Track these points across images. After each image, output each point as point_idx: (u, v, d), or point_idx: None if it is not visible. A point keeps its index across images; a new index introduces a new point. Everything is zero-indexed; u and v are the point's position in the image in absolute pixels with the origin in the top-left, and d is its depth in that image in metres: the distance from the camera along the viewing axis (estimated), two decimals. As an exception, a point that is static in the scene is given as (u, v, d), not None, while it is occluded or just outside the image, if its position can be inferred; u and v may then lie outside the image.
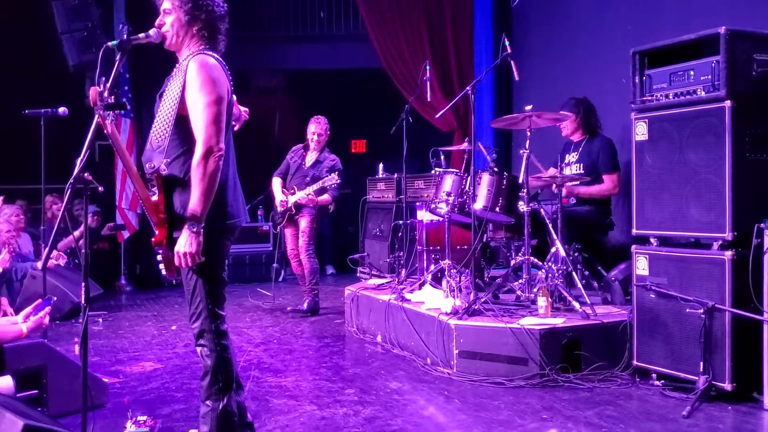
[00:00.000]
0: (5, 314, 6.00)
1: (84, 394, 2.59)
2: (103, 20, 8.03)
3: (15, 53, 8.41)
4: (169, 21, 2.77)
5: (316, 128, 6.37)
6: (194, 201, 2.59)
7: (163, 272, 2.72)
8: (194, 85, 2.63)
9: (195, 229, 2.58)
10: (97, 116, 2.49)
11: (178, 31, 2.77)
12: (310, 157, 6.40)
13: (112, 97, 2.52)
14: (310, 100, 7.02)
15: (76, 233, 7.10)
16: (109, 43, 2.62)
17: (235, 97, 3.08)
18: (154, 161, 2.66)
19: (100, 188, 2.79)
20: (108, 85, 2.49)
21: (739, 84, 3.54)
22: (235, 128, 3.30)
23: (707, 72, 3.63)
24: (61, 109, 4.84)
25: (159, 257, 2.73)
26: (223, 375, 2.75)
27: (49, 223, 6.93)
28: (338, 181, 6.13)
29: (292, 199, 6.23)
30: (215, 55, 2.75)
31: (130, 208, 8.54)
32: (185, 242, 2.59)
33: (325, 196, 6.27)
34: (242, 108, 3.24)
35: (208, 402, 2.76)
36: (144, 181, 2.75)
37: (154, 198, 2.70)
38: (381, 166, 8.05)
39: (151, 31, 2.72)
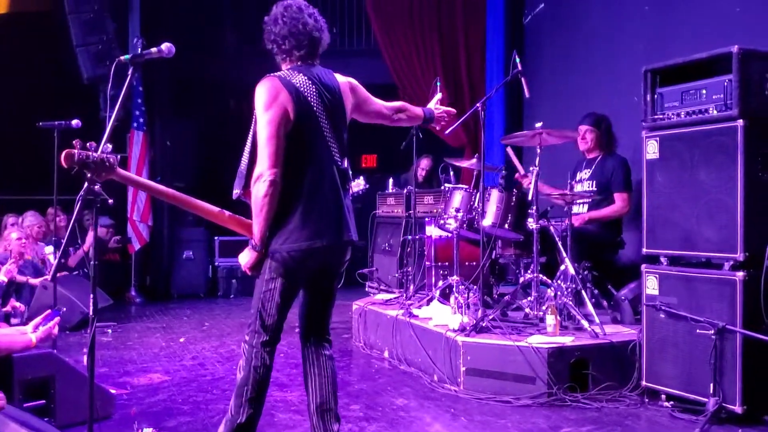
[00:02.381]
0: (14, 308, 6.04)
1: (90, 405, 2.59)
2: (118, 34, 8.11)
3: (29, 65, 8.52)
4: None
5: None
6: (253, 221, 2.68)
7: None
8: (256, 108, 2.69)
9: (251, 247, 2.70)
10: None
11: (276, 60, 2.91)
12: None
13: (93, 154, 2.36)
14: (322, 114, 7.06)
15: (85, 247, 7.19)
16: (122, 57, 2.64)
17: (351, 105, 2.99)
18: (237, 187, 2.75)
19: (110, 200, 2.80)
20: (89, 143, 2.39)
21: (752, 103, 3.52)
22: (437, 128, 3.47)
23: (719, 91, 3.61)
24: (75, 122, 4.89)
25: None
26: (250, 391, 2.75)
27: (52, 235, 7.00)
28: (366, 186, 6.07)
29: None
30: (284, 75, 2.76)
31: (142, 220, 8.59)
32: (243, 255, 2.74)
33: None
34: (440, 108, 3.25)
35: (230, 413, 2.78)
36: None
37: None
38: (391, 180, 8.05)
39: (163, 46, 2.72)
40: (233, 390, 2.81)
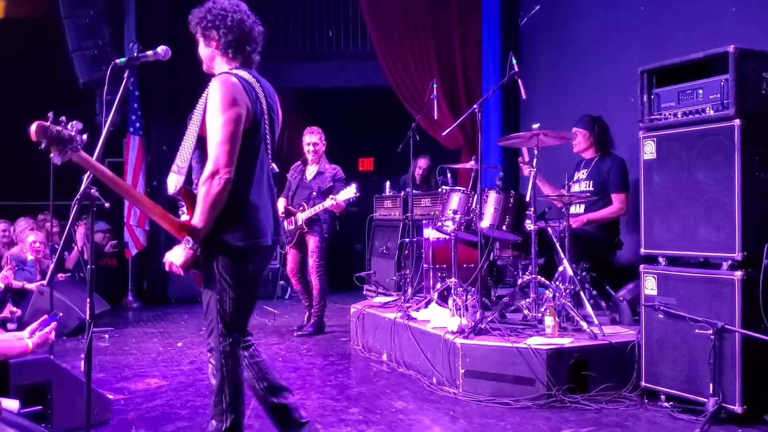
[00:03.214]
0: (12, 313, 6.03)
1: (87, 411, 2.57)
2: (113, 38, 8.11)
3: (25, 70, 8.50)
4: (199, 49, 2.86)
5: (310, 138, 6.30)
6: (195, 218, 2.60)
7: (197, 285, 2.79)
8: (211, 105, 2.63)
9: (189, 245, 2.60)
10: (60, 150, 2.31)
11: (205, 56, 2.86)
12: (311, 170, 6.35)
13: (64, 129, 2.30)
14: (318, 118, 7.05)
15: (78, 246, 7.23)
16: (118, 61, 2.63)
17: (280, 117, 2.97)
18: (175, 182, 2.67)
19: (106, 204, 2.78)
20: (61, 118, 2.32)
21: (749, 103, 3.52)
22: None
23: (716, 91, 3.61)
24: (71, 126, 4.86)
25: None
26: (228, 396, 2.73)
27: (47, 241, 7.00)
28: (358, 194, 6.03)
29: (301, 217, 6.15)
30: (240, 74, 2.72)
31: (138, 225, 8.57)
32: (175, 253, 2.63)
33: (334, 202, 6.20)
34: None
35: (213, 421, 2.77)
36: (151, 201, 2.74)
37: (184, 217, 2.69)
38: (388, 184, 8.05)
39: (159, 49, 2.72)
40: (211, 401, 2.77)
